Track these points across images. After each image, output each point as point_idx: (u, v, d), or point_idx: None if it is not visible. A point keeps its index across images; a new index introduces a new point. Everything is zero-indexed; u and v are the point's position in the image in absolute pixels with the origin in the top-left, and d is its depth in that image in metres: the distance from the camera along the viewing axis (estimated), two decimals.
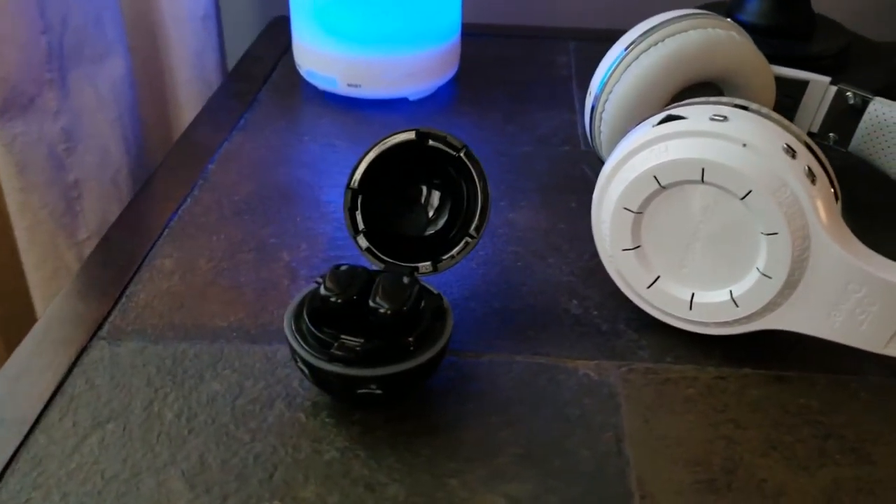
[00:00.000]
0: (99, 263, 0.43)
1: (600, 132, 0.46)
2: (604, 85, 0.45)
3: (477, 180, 0.38)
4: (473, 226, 0.38)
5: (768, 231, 0.34)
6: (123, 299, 0.41)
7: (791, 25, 0.60)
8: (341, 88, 0.58)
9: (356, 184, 0.39)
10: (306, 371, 0.34)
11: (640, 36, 0.44)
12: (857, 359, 0.37)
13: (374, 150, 0.38)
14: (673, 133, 0.35)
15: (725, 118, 0.34)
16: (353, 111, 0.59)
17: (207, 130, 0.56)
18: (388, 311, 0.33)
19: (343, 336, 0.33)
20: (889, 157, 0.47)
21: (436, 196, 0.39)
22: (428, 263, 0.38)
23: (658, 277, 0.37)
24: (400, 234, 0.39)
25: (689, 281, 0.37)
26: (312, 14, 0.56)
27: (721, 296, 0.36)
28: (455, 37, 0.60)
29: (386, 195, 0.39)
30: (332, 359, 0.33)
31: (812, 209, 0.33)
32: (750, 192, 0.34)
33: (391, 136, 0.38)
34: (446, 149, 0.38)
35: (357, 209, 0.39)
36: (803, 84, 0.49)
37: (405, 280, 0.35)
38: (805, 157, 0.34)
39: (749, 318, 0.36)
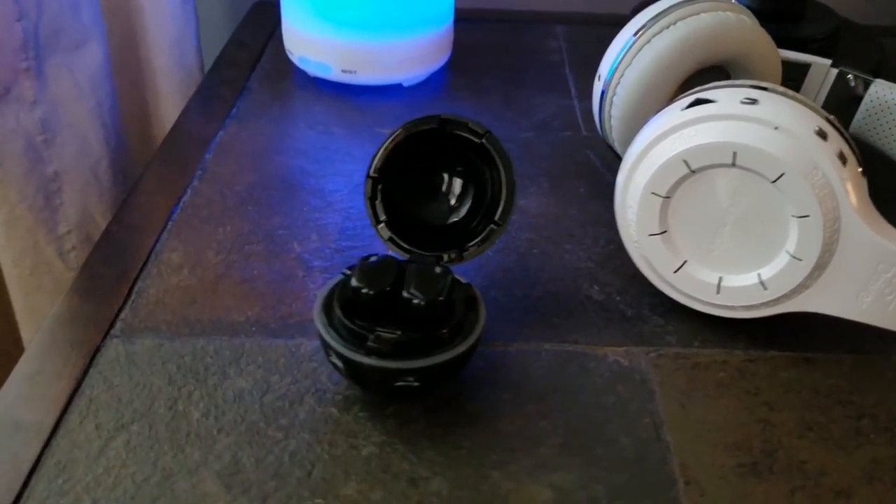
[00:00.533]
0: (102, 260, 0.42)
1: (610, 116, 0.46)
2: (614, 69, 0.45)
3: (501, 167, 0.37)
4: (499, 213, 0.37)
5: (799, 214, 0.34)
6: (133, 296, 0.39)
7: (782, 8, 0.60)
8: (335, 75, 0.57)
9: (376, 172, 0.38)
10: (340, 365, 0.33)
11: (651, 20, 0.44)
12: (881, 339, 0.37)
13: (394, 137, 0.38)
14: (703, 117, 0.35)
15: (756, 101, 0.34)
16: (347, 97, 0.57)
17: (199, 120, 0.55)
18: (423, 302, 0.33)
19: (378, 328, 0.32)
20: (890, 138, 0.48)
21: (457, 183, 0.39)
22: (453, 252, 0.37)
23: (685, 262, 0.37)
24: (421, 223, 0.39)
25: (716, 265, 0.37)
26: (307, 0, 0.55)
27: (749, 279, 0.36)
28: (449, 21, 0.59)
29: (406, 183, 0.38)
30: (369, 352, 0.32)
31: (843, 191, 0.34)
32: (782, 174, 0.34)
33: (411, 123, 0.38)
34: (468, 135, 0.37)
35: (377, 198, 0.38)
36: (805, 67, 0.49)
37: (437, 270, 0.34)
38: (836, 140, 0.34)
39: (777, 301, 0.36)
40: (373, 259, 0.34)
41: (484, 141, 0.37)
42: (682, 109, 0.36)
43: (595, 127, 0.48)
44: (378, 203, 0.38)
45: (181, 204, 0.46)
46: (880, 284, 0.35)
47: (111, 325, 0.38)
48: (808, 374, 0.36)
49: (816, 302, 0.36)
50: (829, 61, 0.49)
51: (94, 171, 0.66)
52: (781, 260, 0.35)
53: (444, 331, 0.33)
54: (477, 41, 0.66)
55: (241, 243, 0.43)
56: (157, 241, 0.43)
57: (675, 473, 0.32)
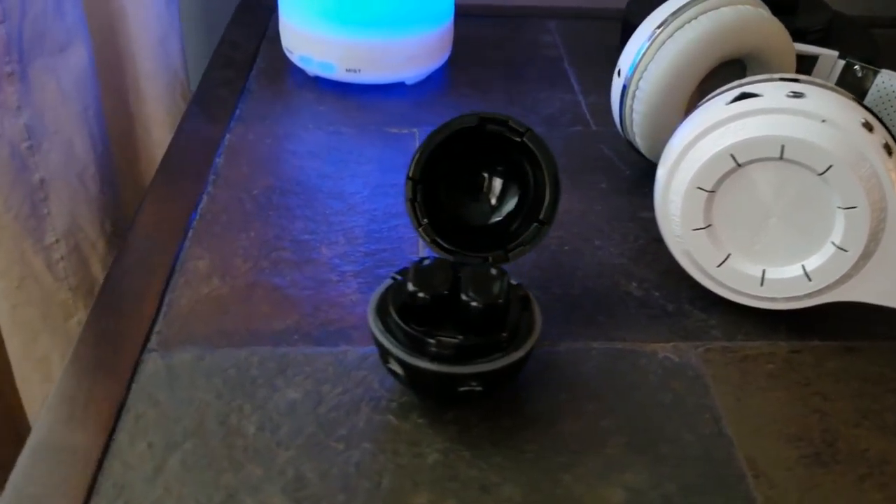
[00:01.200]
0: (126, 271, 0.40)
1: (632, 110, 0.46)
2: (636, 64, 0.45)
3: (544, 164, 0.37)
4: (544, 212, 0.37)
5: (846, 205, 0.34)
6: (164, 307, 0.38)
7: (777, 1, 0.61)
8: (339, 74, 0.56)
9: (416, 174, 0.37)
10: (401, 372, 0.32)
11: (672, 14, 0.44)
12: None
13: (433, 137, 0.37)
14: (750, 111, 0.35)
15: (802, 95, 0.35)
16: (351, 97, 0.56)
17: (203, 123, 0.53)
18: (483, 305, 0.32)
19: (438, 333, 0.32)
20: None
21: (498, 183, 0.38)
22: (498, 252, 0.37)
23: (729, 255, 0.37)
24: (462, 224, 0.38)
25: (760, 257, 0.37)
26: None
27: (794, 271, 0.36)
28: (450, 18, 0.58)
29: (447, 184, 0.38)
30: (433, 358, 0.31)
31: (890, 182, 0.34)
32: (830, 167, 0.34)
33: (451, 122, 0.37)
34: (509, 133, 0.37)
35: (417, 199, 0.37)
36: (814, 59, 0.50)
37: (493, 272, 0.33)
38: (880, 132, 0.35)
39: (820, 292, 0.37)
40: (426, 263, 0.34)
41: (525, 139, 0.37)
42: (727, 104, 0.36)
43: (609, 122, 0.48)
44: (418, 205, 0.37)
45: (199, 210, 0.45)
46: None
47: (146, 340, 0.36)
48: (854, 363, 0.37)
49: (860, 292, 0.36)
50: (836, 53, 0.50)
51: (80, 178, 0.64)
52: (827, 251, 0.36)
53: (504, 333, 0.32)
54: (473, 37, 0.65)
55: (268, 249, 0.42)
56: (179, 250, 0.42)
57: (743, 467, 0.32)
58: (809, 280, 0.36)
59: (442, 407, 0.34)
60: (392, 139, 0.52)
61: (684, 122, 0.38)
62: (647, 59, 0.44)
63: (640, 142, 0.46)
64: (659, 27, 0.44)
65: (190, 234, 0.43)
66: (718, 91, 0.37)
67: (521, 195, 0.38)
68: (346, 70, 0.56)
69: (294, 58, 0.58)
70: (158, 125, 0.72)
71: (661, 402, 0.34)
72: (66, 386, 0.34)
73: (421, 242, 0.43)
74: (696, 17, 0.44)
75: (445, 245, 0.37)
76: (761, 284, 0.37)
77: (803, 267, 0.36)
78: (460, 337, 0.32)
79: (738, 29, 0.43)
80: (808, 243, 0.36)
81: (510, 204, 0.38)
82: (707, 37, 0.43)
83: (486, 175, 0.38)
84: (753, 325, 0.38)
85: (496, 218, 0.38)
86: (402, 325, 0.32)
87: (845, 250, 0.35)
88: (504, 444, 0.32)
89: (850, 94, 0.36)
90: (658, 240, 0.41)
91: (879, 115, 0.48)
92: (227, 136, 0.51)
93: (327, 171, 0.48)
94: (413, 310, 0.33)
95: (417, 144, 0.49)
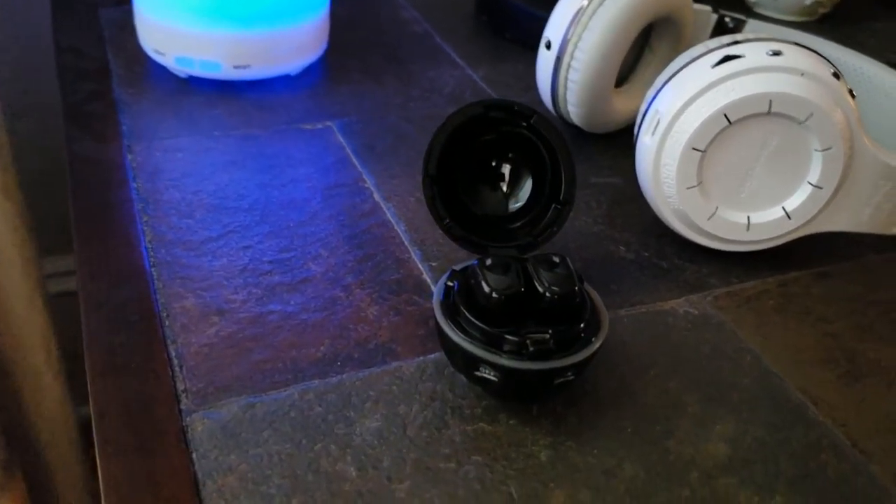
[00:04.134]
0: (108, 331, 0.35)
1: (567, 81, 0.47)
2: (568, 34, 0.46)
3: (556, 145, 0.37)
4: (563, 192, 0.37)
5: (823, 147, 0.38)
6: (176, 360, 0.34)
7: None
8: (225, 72, 0.51)
9: (433, 169, 0.36)
10: (494, 377, 0.31)
11: None
12: (858, 244, 0.44)
13: (443, 131, 0.36)
14: (737, 72, 0.37)
15: (781, 52, 0.38)
16: (240, 96, 0.52)
17: (92, 143, 0.46)
18: (562, 294, 0.32)
19: (522, 331, 0.31)
20: None
21: (510, 170, 0.38)
22: (526, 239, 0.37)
23: (717, 208, 0.40)
24: (483, 215, 0.37)
25: (745, 205, 0.40)
26: None
27: (775, 213, 0.40)
28: (328, 3, 0.56)
29: (462, 177, 0.37)
30: (532, 356, 0.31)
31: (856, 122, 0.38)
32: (811, 115, 0.37)
33: (456, 113, 0.36)
34: (515, 118, 0.36)
35: (436, 197, 0.36)
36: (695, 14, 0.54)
37: (556, 259, 0.33)
38: (844, 80, 0.39)
39: (798, 229, 0.40)
40: (490, 262, 0.33)
41: (533, 122, 0.36)
42: (713, 67, 0.38)
43: (509, 94, 0.49)
44: (438, 202, 0.36)
45: (148, 247, 0.39)
46: (879, 197, 0.40)
47: (177, 400, 0.32)
48: (833, 287, 0.41)
49: (829, 223, 0.41)
50: (709, 7, 0.54)
51: None
52: (805, 191, 0.39)
53: (583, 317, 0.32)
54: (334, 22, 0.62)
55: (253, 275, 0.38)
56: (154, 294, 0.37)
57: (801, 397, 0.35)
58: (790, 219, 0.40)
59: (525, 403, 0.33)
60: (311, 136, 0.49)
61: (665, 89, 0.39)
62: (580, 29, 0.45)
63: (575, 111, 0.48)
64: None
65: (154, 274, 0.38)
66: (701, 54, 0.39)
67: (536, 179, 0.37)
68: (235, 67, 0.51)
69: (166, 60, 0.52)
70: None
71: (705, 353, 0.36)
72: (118, 467, 0.29)
73: (412, 239, 0.41)
74: None
75: (474, 239, 0.36)
76: (747, 230, 0.40)
77: (783, 208, 0.40)
78: (550, 330, 0.31)
79: None
80: (787, 186, 0.39)
81: (525, 189, 0.38)
82: (637, 1, 0.45)
83: (499, 163, 0.38)
84: (741, 268, 0.42)
85: (517, 204, 0.38)
86: (488, 329, 0.31)
87: (820, 188, 0.39)
88: (601, 426, 0.33)
89: (813, 50, 0.39)
90: (618, 202, 0.43)
91: None
92: (130, 156, 0.45)
93: (263, 179, 0.45)
94: (488, 312, 0.32)
95: (337, 138, 0.47)
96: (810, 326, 0.38)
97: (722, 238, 0.41)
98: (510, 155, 0.38)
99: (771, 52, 0.38)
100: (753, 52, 0.38)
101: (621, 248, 0.42)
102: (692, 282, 0.40)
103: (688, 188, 0.39)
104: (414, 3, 0.67)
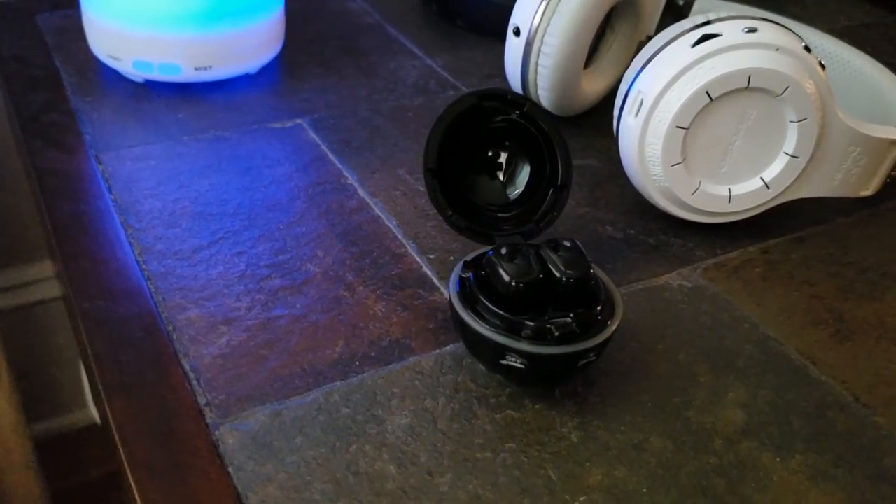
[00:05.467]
0: (114, 350, 0.34)
1: (538, 66, 0.47)
2: (537, 19, 0.46)
3: (549, 130, 0.37)
4: (560, 176, 0.37)
5: (799, 118, 0.40)
6: (192, 373, 0.33)
7: None
8: (186, 74, 0.50)
9: (434, 163, 0.36)
10: (522, 364, 0.32)
11: None
12: (826, 209, 0.46)
13: (441, 124, 0.36)
14: (716, 50, 0.39)
15: (756, 29, 0.39)
16: (201, 98, 0.51)
17: (57, 154, 0.44)
18: (579, 277, 0.33)
19: (544, 317, 0.32)
20: None
21: (508, 158, 0.38)
22: (528, 226, 0.37)
23: (700, 182, 0.41)
24: (484, 205, 0.38)
25: (726, 178, 0.41)
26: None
27: (755, 184, 0.41)
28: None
29: (461, 168, 0.37)
30: (558, 341, 0.31)
31: (828, 91, 0.40)
32: (787, 88, 0.39)
33: (452, 105, 0.36)
34: (509, 107, 0.37)
35: (438, 190, 0.36)
36: None
37: (567, 244, 0.34)
38: (814, 53, 0.40)
39: (775, 198, 0.42)
40: (504, 250, 0.33)
41: (526, 110, 0.37)
42: (692, 46, 0.39)
43: (472, 83, 0.49)
44: (440, 194, 0.36)
45: (139, 259, 0.38)
46: (848, 163, 0.42)
47: (201, 414, 0.31)
48: (810, 250, 0.43)
49: (803, 190, 0.43)
50: None
51: None
52: (781, 161, 0.41)
53: (600, 299, 0.33)
54: (288, 17, 0.61)
55: (254, 281, 0.38)
56: (155, 308, 0.36)
57: (801, 359, 0.36)
58: (768, 188, 0.41)
59: (543, 389, 0.34)
60: (284, 135, 0.48)
61: (645, 70, 0.40)
62: (548, 14, 0.46)
63: (546, 95, 0.48)
64: None
65: (150, 287, 0.37)
66: (679, 35, 0.40)
67: (536, 166, 0.38)
68: (196, 69, 0.50)
69: (121, 65, 0.50)
70: None
71: (705, 324, 0.38)
72: (156, 490, 0.28)
73: (405, 233, 0.41)
74: None
75: (479, 229, 0.37)
76: (729, 202, 0.42)
77: (762, 178, 0.41)
78: (571, 314, 0.32)
79: None
80: (764, 157, 0.41)
81: (523, 177, 0.38)
82: None
83: (495, 152, 0.38)
84: (724, 239, 0.43)
85: (515, 192, 0.38)
86: (510, 317, 0.32)
87: (797, 157, 0.41)
88: (621, 403, 0.34)
89: (783, 24, 0.41)
90: (598, 183, 0.44)
91: None
92: (100, 166, 0.44)
93: (243, 182, 0.44)
94: (508, 300, 0.32)
95: (310, 135, 0.47)
96: (796, 290, 0.40)
97: (705, 211, 0.42)
98: (506, 143, 0.38)
99: (747, 30, 0.39)
100: (730, 31, 0.39)
101: (608, 227, 0.43)
102: (681, 256, 0.42)
103: (672, 165, 0.40)
104: None
